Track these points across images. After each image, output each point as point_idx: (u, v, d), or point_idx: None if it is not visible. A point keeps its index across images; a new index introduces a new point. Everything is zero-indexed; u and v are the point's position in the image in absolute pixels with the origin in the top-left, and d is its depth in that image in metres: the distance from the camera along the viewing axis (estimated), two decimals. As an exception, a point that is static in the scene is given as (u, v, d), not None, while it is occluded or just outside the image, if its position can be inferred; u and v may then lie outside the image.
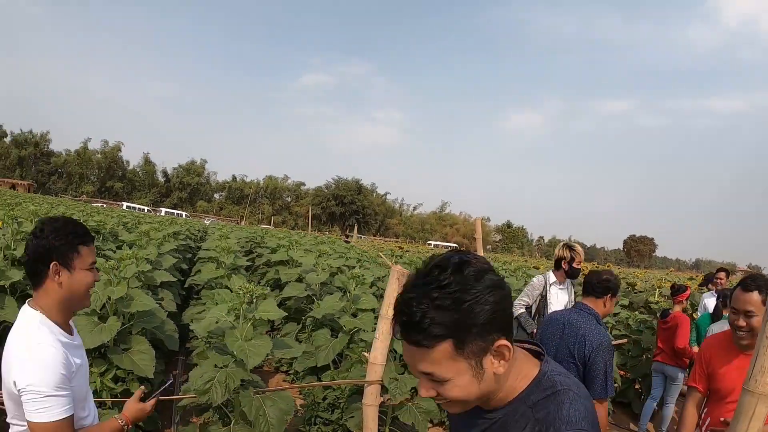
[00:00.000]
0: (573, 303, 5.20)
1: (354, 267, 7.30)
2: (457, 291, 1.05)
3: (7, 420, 1.89)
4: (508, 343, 1.10)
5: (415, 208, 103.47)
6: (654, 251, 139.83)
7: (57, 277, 1.83)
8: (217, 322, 3.49)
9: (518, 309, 5.00)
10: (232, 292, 5.37)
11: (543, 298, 5.02)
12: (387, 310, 3.65)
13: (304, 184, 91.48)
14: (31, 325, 1.83)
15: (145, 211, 48.61)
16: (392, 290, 3.66)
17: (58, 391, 1.75)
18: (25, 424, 1.78)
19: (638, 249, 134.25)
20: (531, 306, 5.05)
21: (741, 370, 2.48)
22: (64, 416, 1.77)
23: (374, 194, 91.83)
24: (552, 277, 5.12)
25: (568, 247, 5.13)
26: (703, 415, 2.83)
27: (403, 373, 4.01)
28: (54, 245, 1.83)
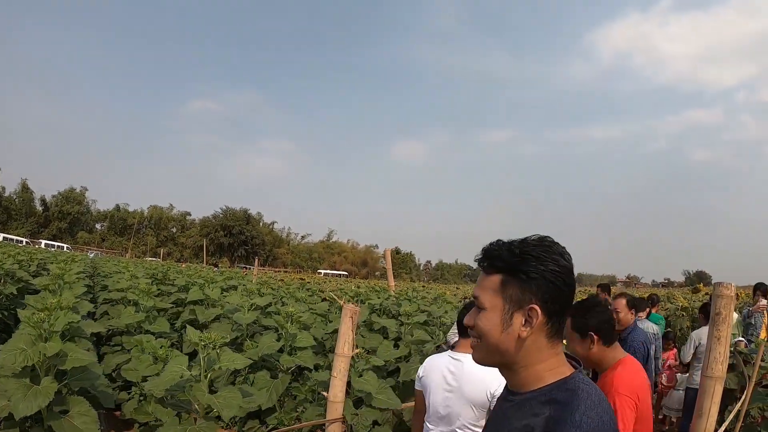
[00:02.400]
0: None
1: (270, 304, 7.21)
2: (528, 247, 1.26)
3: None
4: (539, 312, 1.22)
5: (303, 237, 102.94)
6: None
7: None
8: (181, 377, 3.30)
9: (452, 338, 5.11)
10: (156, 337, 5.15)
11: None
12: (342, 348, 3.65)
13: (189, 214, 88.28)
14: None
15: (24, 243, 44.49)
16: (346, 329, 3.67)
17: None
18: None
19: None
20: None
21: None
22: None
23: (261, 224, 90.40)
24: None
25: None
26: None
27: (360, 407, 4.03)
28: None
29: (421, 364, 3.17)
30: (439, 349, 5.40)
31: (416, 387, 3.08)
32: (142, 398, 4.22)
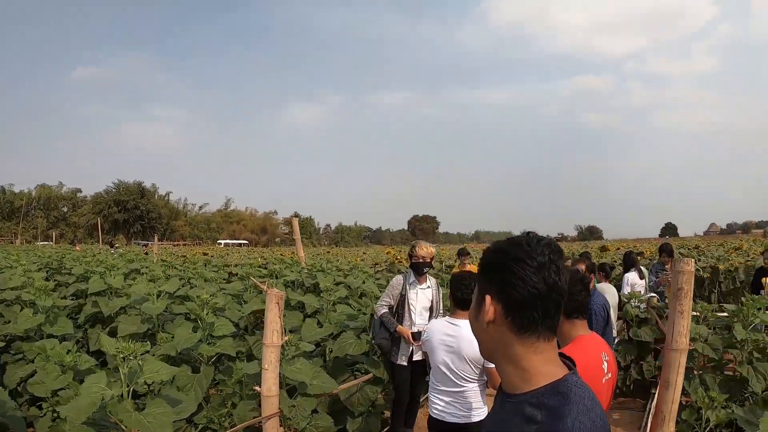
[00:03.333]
0: (439, 303, 5.34)
1: (179, 288, 6.75)
2: (502, 243, 1.31)
3: None
4: (488, 303, 1.26)
5: (200, 208, 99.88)
6: (437, 228, 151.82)
7: None
8: (102, 399, 2.87)
9: (381, 309, 5.04)
10: (60, 341, 4.63)
11: (402, 298, 5.09)
12: (271, 338, 3.40)
13: (80, 191, 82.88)
14: None
15: None
16: (273, 316, 3.42)
17: None
18: None
19: (422, 228, 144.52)
20: (393, 305, 5.09)
21: None
22: None
23: (156, 196, 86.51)
24: (411, 277, 5.21)
25: (412, 245, 5.28)
26: None
27: (295, 397, 3.81)
28: None
29: (353, 338, 4.25)
30: (372, 318, 5.26)
31: (423, 349, 3.93)
32: (56, 414, 3.75)
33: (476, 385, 3.59)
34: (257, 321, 6.60)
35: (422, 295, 5.20)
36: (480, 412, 3.60)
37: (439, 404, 3.61)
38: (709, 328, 5.81)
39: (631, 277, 7.95)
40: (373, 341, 5.14)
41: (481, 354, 1.40)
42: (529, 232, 1.32)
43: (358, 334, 5.32)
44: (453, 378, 3.54)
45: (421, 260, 5.12)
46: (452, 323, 3.58)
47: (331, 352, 5.15)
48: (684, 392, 4.99)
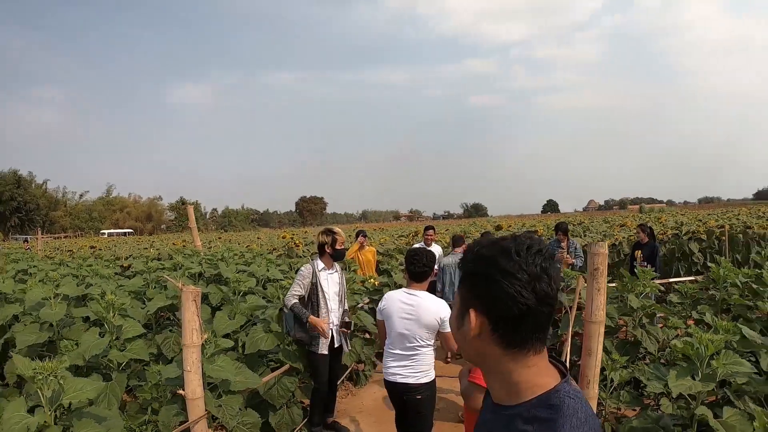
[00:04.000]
0: (344, 286, 5.38)
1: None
2: (487, 248, 1.21)
3: None
4: (474, 317, 1.19)
5: (81, 196, 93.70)
6: (325, 209, 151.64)
7: None
8: (27, 429, 2.59)
9: (291, 300, 4.99)
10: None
11: (314, 286, 5.07)
12: (191, 337, 3.29)
13: (-49, 184, 74.96)
14: None
15: None
16: (191, 314, 3.31)
17: None
18: None
19: (310, 209, 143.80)
20: (304, 296, 5.06)
21: None
22: None
23: (33, 185, 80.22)
24: (320, 263, 5.19)
25: (329, 231, 5.27)
26: None
27: (218, 395, 3.70)
28: None
29: (263, 332, 4.63)
30: (281, 312, 5.18)
31: (378, 318, 4.18)
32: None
33: (429, 349, 3.97)
34: (160, 318, 6.33)
35: (332, 281, 5.23)
36: (430, 374, 3.98)
37: (392, 367, 3.96)
38: (604, 298, 6.27)
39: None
40: (289, 335, 5.09)
41: (465, 358, 1.35)
42: (516, 236, 1.22)
43: (268, 327, 5.23)
44: (409, 343, 3.91)
45: (341, 247, 5.19)
46: (410, 293, 3.96)
47: (244, 346, 5.02)
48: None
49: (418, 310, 3.89)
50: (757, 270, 5.60)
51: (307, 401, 5.39)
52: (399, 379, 3.94)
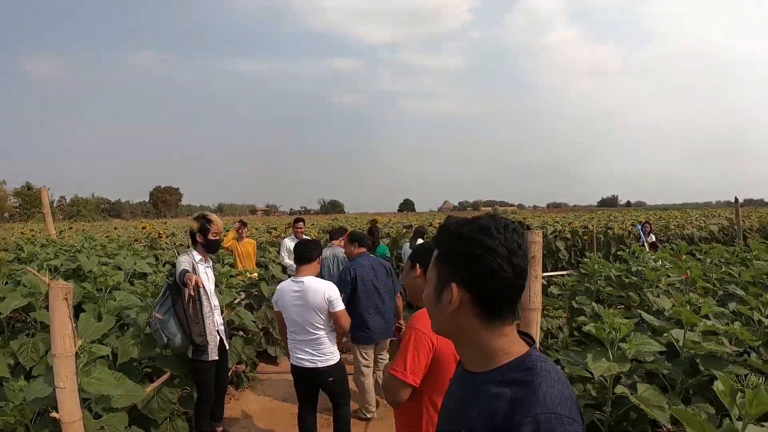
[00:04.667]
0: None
1: None
2: (465, 226, 1.27)
3: None
4: (455, 292, 1.24)
5: None
6: (180, 200, 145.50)
7: None
8: None
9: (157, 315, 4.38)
10: None
11: None
12: (63, 345, 2.69)
13: None
14: None
15: None
16: (62, 316, 2.64)
17: None
18: None
19: (165, 200, 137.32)
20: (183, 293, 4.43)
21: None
22: None
23: None
24: (196, 255, 4.62)
25: (203, 218, 4.67)
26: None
27: (100, 416, 3.18)
28: None
29: (136, 335, 4.23)
30: (150, 319, 4.46)
31: (275, 309, 4.34)
32: None
33: (327, 332, 4.21)
34: (10, 321, 5.36)
35: (210, 275, 4.73)
36: (333, 356, 4.24)
37: (297, 353, 4.21)
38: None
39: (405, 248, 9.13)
40: (165, 344, 4.32)
41: (433, 330, 1.37)
42: (492, 215, 1.29)
43: (140, 331, 4.43)
44: (307, 327, 4.14)
45: (216, 237, 4.65)
46: (297, 281, 4.20)
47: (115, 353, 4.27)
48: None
49: (306, 294, 4.12)
50: (625, 264, 6.04)
51: (190, 410, 4.75)
52: (307, 364, 4.16)
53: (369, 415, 5.45)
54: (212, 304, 4.60)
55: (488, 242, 1.22)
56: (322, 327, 4.18)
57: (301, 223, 9.20)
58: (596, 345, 3.14)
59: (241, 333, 6.33)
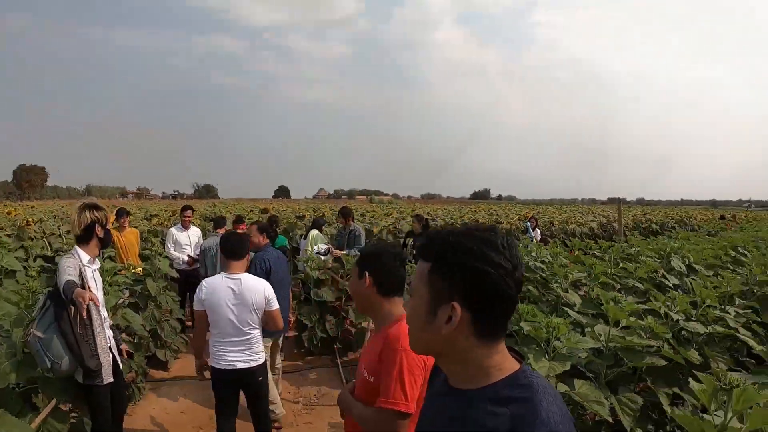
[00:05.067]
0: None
1: None
2: (464, 237, 1.19)
3: None
4: (458, 310, 1.15)
5: None
6: (46, 181, 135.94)
7: None
8: None
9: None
10: None
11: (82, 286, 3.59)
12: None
13: None
14: None
15: None
16: None
17: None
18: None
19: (30, 180, 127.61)
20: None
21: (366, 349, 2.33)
22: None
23: None
24: (83, 254, 3.78)
25: (96, 207, 3.86)
26: None
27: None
28: None
29: (11, 353, 3.48)
30: (28, 337, 3.58)
31: (198, 308, 3.96)
32: None
33: (259, 330, 4.07)
34: None
35: (98, 277, 3.96)
36: (263, 354, 4.11)
37: (227, 356, 3.92)
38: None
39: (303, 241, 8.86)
40: (48, 368, 3.45)
41: (413, 350, 1.31)
42: (490, 227, 1.23)
43: (16, 349, 3.57)
44: (243, 327, 3.92)
45: (107, 228, 3.91)
46: (232, 277, 3.96)
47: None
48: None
49: (244, 292, 3.92)
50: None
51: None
52: (240, 366, 3.93)
53: (278, 412, 5.09)
54: (102, 317, 3.81)
55: (495, 257, 1.16)
56: (257, 326, 4.05)
57: (189, 211, 8.74)
58: (528, 344, 3.11)
59: (130, 338, 5.63)
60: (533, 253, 7.20)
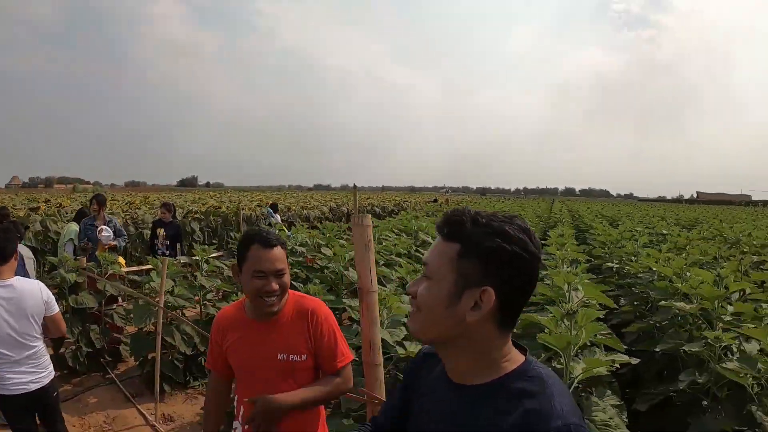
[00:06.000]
0: None
1: None
2: (497, 221, 1.12)
3: None
4: (493, 296, 1.09)
5: None
6: None
7: None
8: None
9: None
10: None
11: None
12: None
13: None
14: None
15: None
16: None
17: None
18: None
19: None
20: None
21: (262, 340, 2.21)
22: None
23: None
24: None
25: None
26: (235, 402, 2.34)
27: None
28: None
29: None
30: None
31: None
32: None
33: (42, 341, 3.53)
34: None
35: None
36: (50, 368, 3.58)
37: (15, 377, 3.35)
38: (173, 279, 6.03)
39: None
40: None
41: (418, 337, 1.20)
42: (516, 216, 1.16)
43: None
44: (23, 341, 3.37)
45: None
46: (2, 285, 3.34)
47: None
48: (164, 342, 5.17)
49: (21, 299, 3.35)
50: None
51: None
52: (32, 387, 3.39)
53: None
54: None
55: (530, 245, 1.11)
56: (39, 336, 3.48)
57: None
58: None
59: None
60: (292, 237, 7.71)
